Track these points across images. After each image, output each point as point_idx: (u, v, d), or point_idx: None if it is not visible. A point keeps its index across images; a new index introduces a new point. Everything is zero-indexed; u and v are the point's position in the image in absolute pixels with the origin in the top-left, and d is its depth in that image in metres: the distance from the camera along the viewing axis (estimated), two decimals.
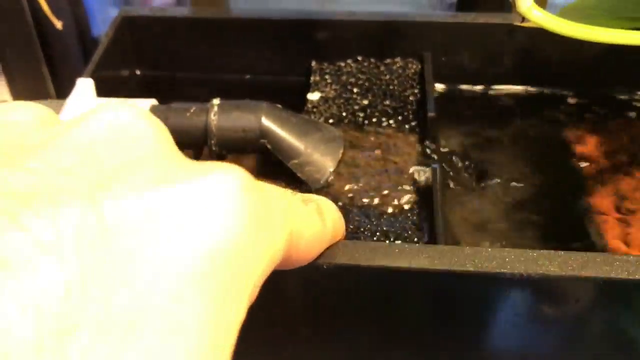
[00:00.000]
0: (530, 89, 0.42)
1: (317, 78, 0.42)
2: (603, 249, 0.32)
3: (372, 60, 0.42)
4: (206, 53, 0.43)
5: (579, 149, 0.38)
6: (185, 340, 0.12)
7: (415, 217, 0.33)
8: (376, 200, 0.34)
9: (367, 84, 0.41)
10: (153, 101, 0.36)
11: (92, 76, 0.37)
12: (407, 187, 0.34)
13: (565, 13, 0.30)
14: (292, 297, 0.27)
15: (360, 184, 0.35)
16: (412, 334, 0.27)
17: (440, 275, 0.23)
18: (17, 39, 0.60)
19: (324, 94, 0.41)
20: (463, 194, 0.36)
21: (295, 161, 0.34)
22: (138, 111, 0.15)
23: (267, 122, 0.34)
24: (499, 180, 0.36)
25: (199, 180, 0.13)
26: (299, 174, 0.34)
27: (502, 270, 0.23)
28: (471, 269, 0.23)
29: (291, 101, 0.39)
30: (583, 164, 0.37)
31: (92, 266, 0.11)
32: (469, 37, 0.41)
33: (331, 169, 0.35)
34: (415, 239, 0.32)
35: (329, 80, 0.42)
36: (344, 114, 0.40)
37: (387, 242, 0.32)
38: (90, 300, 0.11)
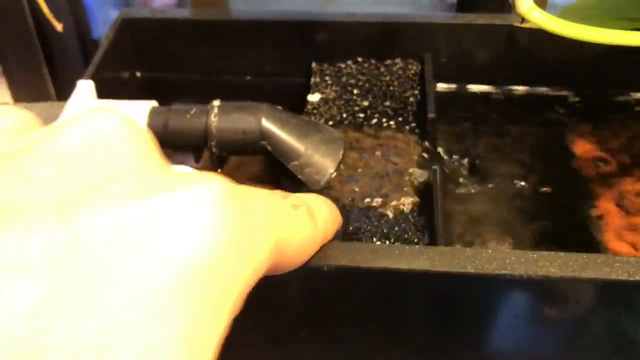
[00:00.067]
0: (531, 89, 0.42)
1: (317, 79, 0.42)
2: (603, 249, 0.32)
3: (372, 61, 0.42)
4: (206, 55, 0.43)
5: (579, 149, 0.38)
6: None
7: (415, 219, 0.33)
8: (376, 202, 0.34)
9: (367, 85, 0.41)
10: (153, 103, 0.36)
11: (93, 78, 0.37)
12: (407, 189, 0.34)
13: (565, 14, 0.30)
14: (293, 299, 0.27)
15: (361, 186, 0.35)
16: (413, 336, 0.27)
17: (441, 277, 0.23)
18: (18, 40, 0.60)
19: (324, 95, 0.41)
20: (463, 195, 0.36)
21: (296, 163, 0.34)
22: (120, 119, 0.15)
23: (267, 123, 0.34)
24: (499, 181, 0.36)
25: (176, 193, 0.13)
26: (299, 176, 0.34)
27: (503, 271, 0.23)
28: (471, 270, 0.23)
29: (291, 102, 0.39)
30: (583, 164, 0.37)
31: (63, 285, 0.11)
32: (469, 38, 0.41)
33: (331, 171, 0.35)
34: (416, 241, 0.32)
35: (329, 82, 0.42)
36: (344, 115, 0.40)
37: (388, 243, 0.32)
38: (60, 321, 0.10)
